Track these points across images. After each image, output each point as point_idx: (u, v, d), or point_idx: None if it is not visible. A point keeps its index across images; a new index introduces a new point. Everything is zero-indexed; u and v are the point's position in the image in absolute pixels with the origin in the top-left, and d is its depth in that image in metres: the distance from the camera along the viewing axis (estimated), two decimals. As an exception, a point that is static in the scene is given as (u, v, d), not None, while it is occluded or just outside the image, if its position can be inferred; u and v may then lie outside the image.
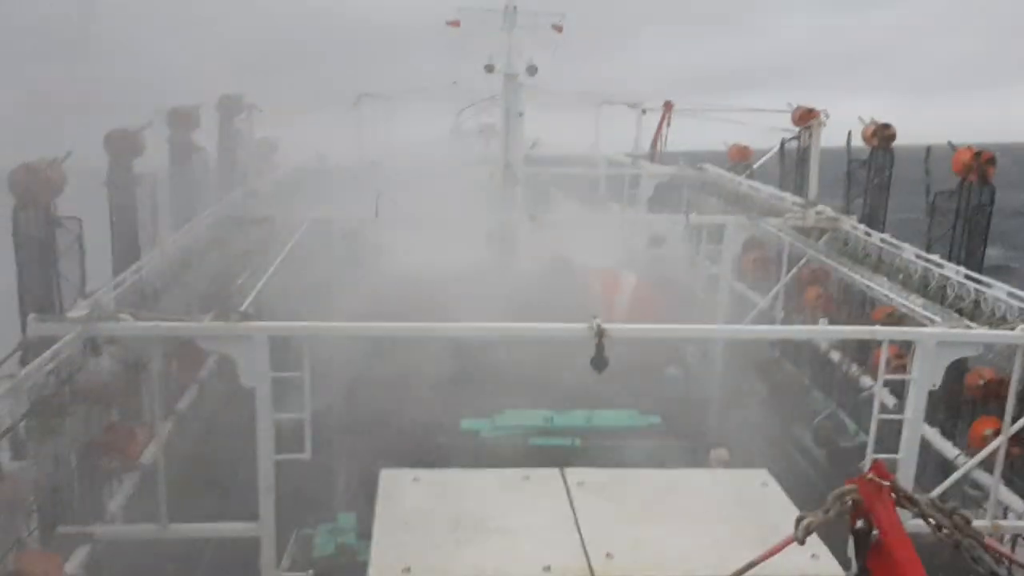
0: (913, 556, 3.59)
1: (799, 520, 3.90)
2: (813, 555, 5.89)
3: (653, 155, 23.39)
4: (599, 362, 9.47)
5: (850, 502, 3.77)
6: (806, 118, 17.08)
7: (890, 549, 3.63)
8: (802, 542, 3.87)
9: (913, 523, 4.11)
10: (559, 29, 16.94)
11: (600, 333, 9.32)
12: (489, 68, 17.03)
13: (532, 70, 17.03)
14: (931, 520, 3.72)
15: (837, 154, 16.27)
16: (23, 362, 8.98)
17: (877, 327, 11.38)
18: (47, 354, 8.49)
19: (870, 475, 3.69)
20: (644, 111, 23.88)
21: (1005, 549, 3.82)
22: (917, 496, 3.74)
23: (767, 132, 18.80)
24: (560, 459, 9.96)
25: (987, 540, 3.71)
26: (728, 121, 20.60)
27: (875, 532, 3.82)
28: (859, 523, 3.88)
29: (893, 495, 3.70)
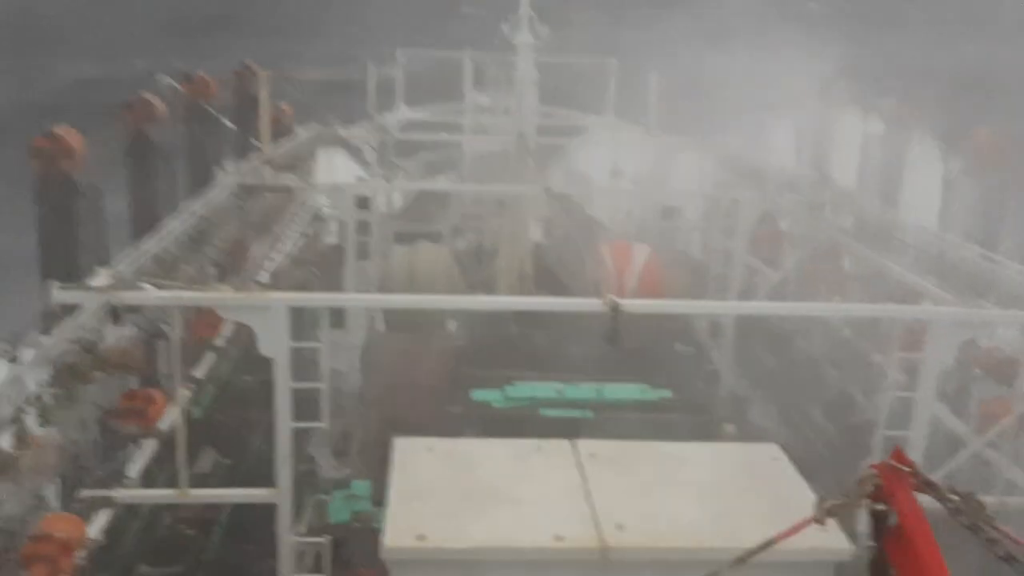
0: (932, 543, 3.70)
1: (819, 502, 4.01)
2: (823, 529, 6.03)
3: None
4: (613, 336, 9.54)
5: (871, 487, 3.86)
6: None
7: (910, 535, 3.73)
8: (822, 523, 3.99)
9: (926, 499, 4.21)
10: None
11: (614, 307, 9.37)
12: (503, 36, 16.89)
13: (542, 36, 16.86)
14: (948, 505, 3.82)
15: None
16: (45, 329, 9.14)
17: (889, 305, 11.41)
18: (70, 322, 8.60)
19: (891, 461, 3.79)
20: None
21: (1017, 535, 3.93)
22: (936, 481, 3.84)
23: None
24: (571, 431, 10.10)
25: (1000, 526, 3.82)
26: None
27: (893, 515, 3.92)
28: (878, 506, 3.99)
29: (913, 480, 3.80)
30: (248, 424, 13.40)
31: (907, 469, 3.76)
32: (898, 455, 3.83)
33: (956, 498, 3.69)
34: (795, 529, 4.26)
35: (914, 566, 3.85)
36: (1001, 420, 10.80)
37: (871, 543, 4.05)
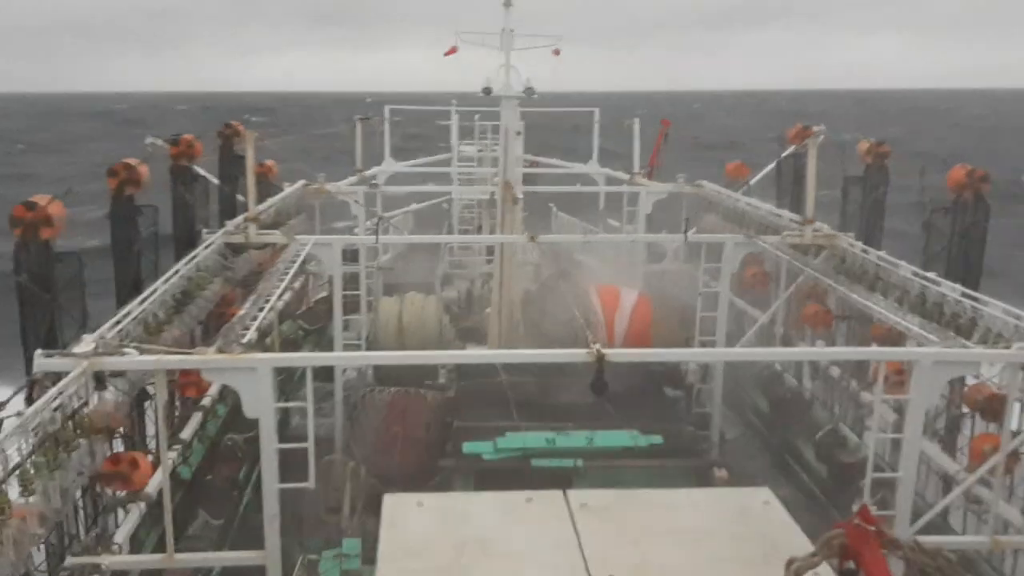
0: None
1: (789, 564, 4.00)
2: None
3: (651, 172, 23.50)
4: (599, 386, 9.58)
5: (838, 546, 3.85)
6: (802, 135, 17.17)
7: (876, 594, 3.72)
8: (793, 586, 3.97)
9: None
10: (557, 53, 16.95)
11: (600, 358, 9.41)
12: (487, 91, 17.05)
13: (530, 92, 17.04)
14: (914, 565, 3.81)
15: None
16: (28, 398, 9.10)
17: (874, 348, 11.46)
18: (53, 391, 8.58)
19: (857, 520, 3.78)
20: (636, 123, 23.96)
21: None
22: (902, 540, 3.83)
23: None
24: (562, 480, 10.07)
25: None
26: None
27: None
28: (848, 565, 3.97)
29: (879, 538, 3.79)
30: (237, 483, 13.30)
31: (872, 528, 3.75)
32: (864, 514, 3.83)
33: (923, 556, 3.68)
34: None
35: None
36: (990, 457, 10.76)
37: None
